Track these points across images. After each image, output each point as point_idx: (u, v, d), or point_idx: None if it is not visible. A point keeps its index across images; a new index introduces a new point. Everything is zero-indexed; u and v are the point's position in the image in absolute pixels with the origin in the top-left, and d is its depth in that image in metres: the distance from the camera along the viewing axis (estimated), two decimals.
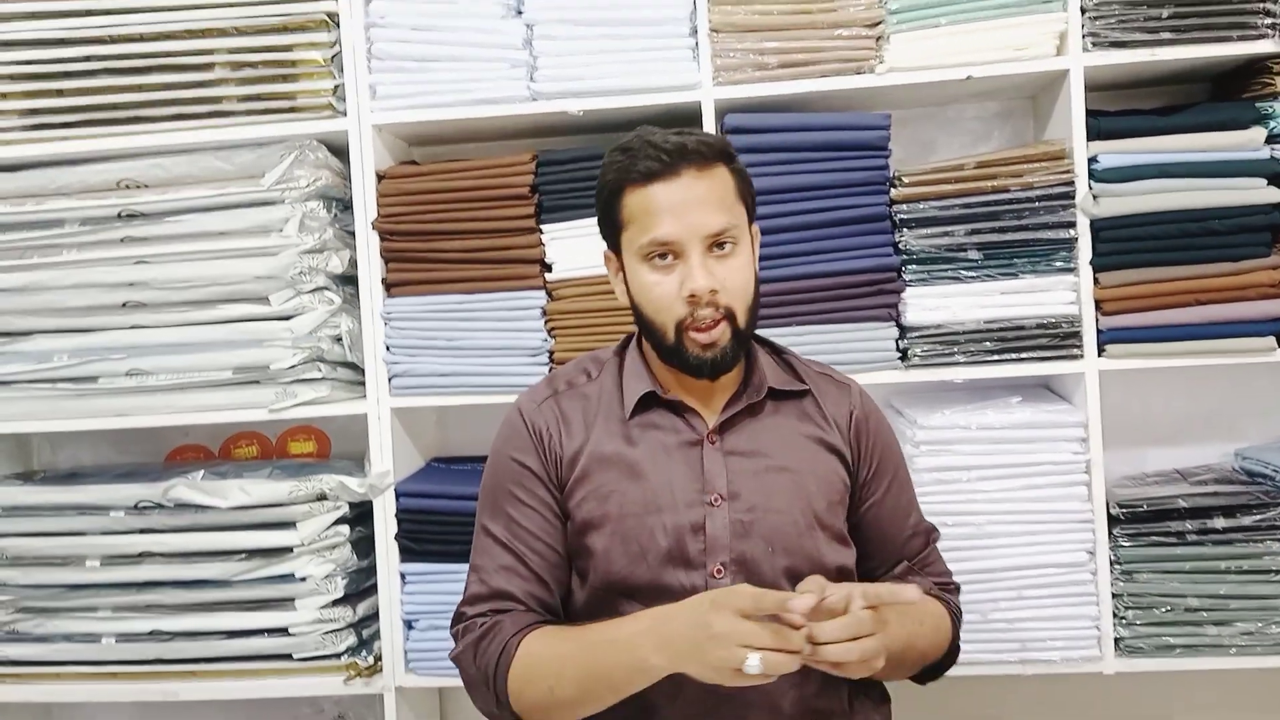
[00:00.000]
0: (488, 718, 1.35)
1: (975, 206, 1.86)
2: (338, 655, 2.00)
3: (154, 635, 2.01)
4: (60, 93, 2.04)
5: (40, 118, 2.05)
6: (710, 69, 1.91)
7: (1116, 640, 1.87)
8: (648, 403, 1.37)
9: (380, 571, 2.01)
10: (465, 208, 1.97)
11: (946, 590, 1.45)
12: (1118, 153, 1.83)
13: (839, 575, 1.34)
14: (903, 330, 1.91)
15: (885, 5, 1.88)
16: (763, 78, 1.90)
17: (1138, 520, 1.86)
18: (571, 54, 1.93)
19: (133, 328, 2.03)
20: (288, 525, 1.98)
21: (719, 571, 1.30)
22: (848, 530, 1.40)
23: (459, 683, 1.38)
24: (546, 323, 1.96)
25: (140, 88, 2.02)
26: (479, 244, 1.97)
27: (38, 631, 2.06)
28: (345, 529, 2.00)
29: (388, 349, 2.00)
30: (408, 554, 2.00)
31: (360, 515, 2.05)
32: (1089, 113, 1.85)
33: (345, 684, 1.99)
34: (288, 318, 1.99)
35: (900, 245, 1.88)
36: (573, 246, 1.93)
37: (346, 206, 2.08)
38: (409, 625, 2.02)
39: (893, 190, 1.89)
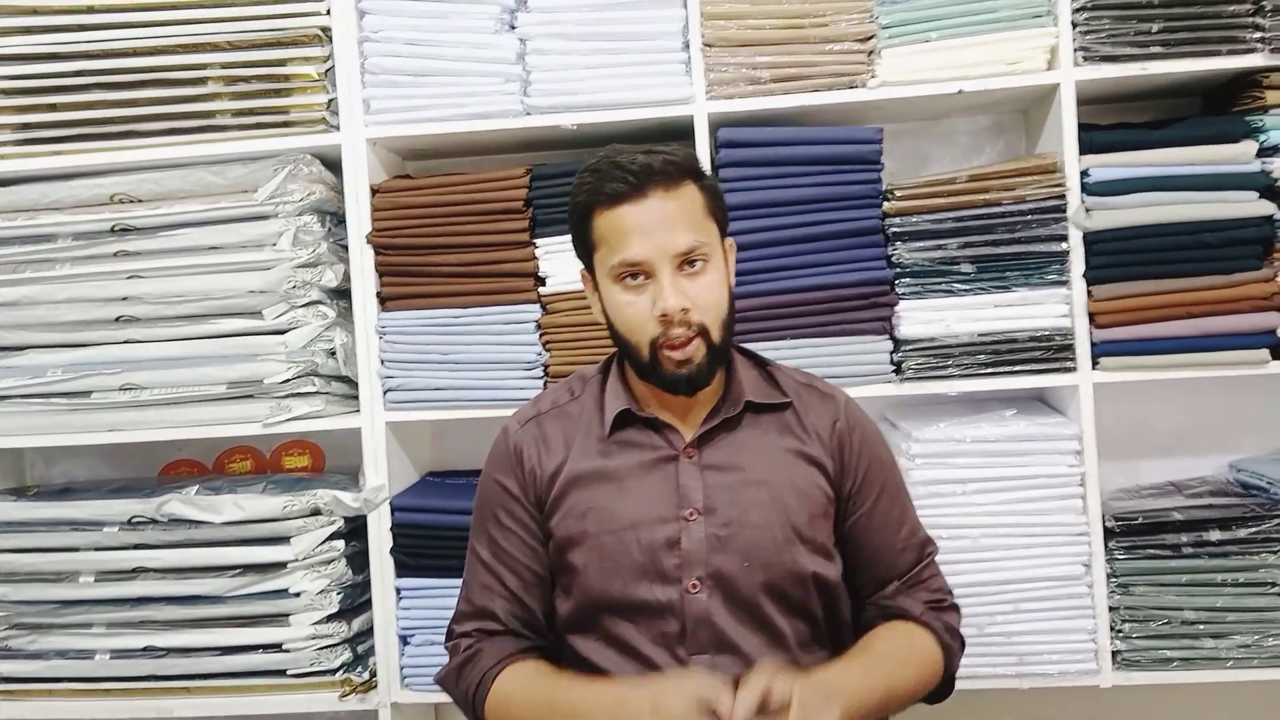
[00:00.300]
0: None
1: (968, 220, 1.87)
2: (332, 671, 1.99)
3: (148, 651, 2.00)
4: (53, 107, 2.04)
5: (33, 132, 2.05)
6: (703, 83, 1.91)
7: (1113, 653, 1.87)
8: (626, 420, 1.38)
9: (375, 586, 2.00)
10: (459, 222, 1.97)
11: (940, 610, 1.42)
12: (1109, 166, 1.83)
13: (819, 589, 1.35)
14: (896, 343, 1.91)
15: (877, 20, 1.88)
16: (755, 92, 1.90)
17: (1133, 533, 1.86)
18: (565, 68, 1.94)
19: (126, 342, 2.03)
20: (282, 540, 1.97)
21: (694, 586, 1.31)
22: (838, 543, 1.40)
23: None
24: (541, 336, 1.96)
25: (133, 102, 2.02)
26: (473, 258, 1.97)
27: (31, 648, 2.04)
28: (340, 544, 2.00)
29: (382, 363, 2.00)
30: (403, 569, 1.99)
31: (355, 530, 2.04)
32: (1080, 126, 1.85)
33: (340, 700, 1.98)
34: (282, 332, 1.99)
35: (893, 259, 1.89)
36: (567, 260, 1.93)
37: (340, 220, 2.08)
38: (404, 640, 2.01)
39: (885, 204, 1.89)
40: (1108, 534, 1.87)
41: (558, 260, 1.95)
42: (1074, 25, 1.84)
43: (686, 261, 1.29)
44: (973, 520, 1.86)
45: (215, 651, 2.00)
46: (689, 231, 1.29)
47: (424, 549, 1.97)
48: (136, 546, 2.01)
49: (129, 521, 2.01)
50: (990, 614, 1.86)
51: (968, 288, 1.88)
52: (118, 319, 2.02)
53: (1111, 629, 1.87)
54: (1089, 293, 1.86)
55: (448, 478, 2.20)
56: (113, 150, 2.02)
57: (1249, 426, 2.13)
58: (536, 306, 1.97)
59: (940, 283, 1.88)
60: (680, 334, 1.28)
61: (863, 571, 1.43)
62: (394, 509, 1.99)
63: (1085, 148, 1.85)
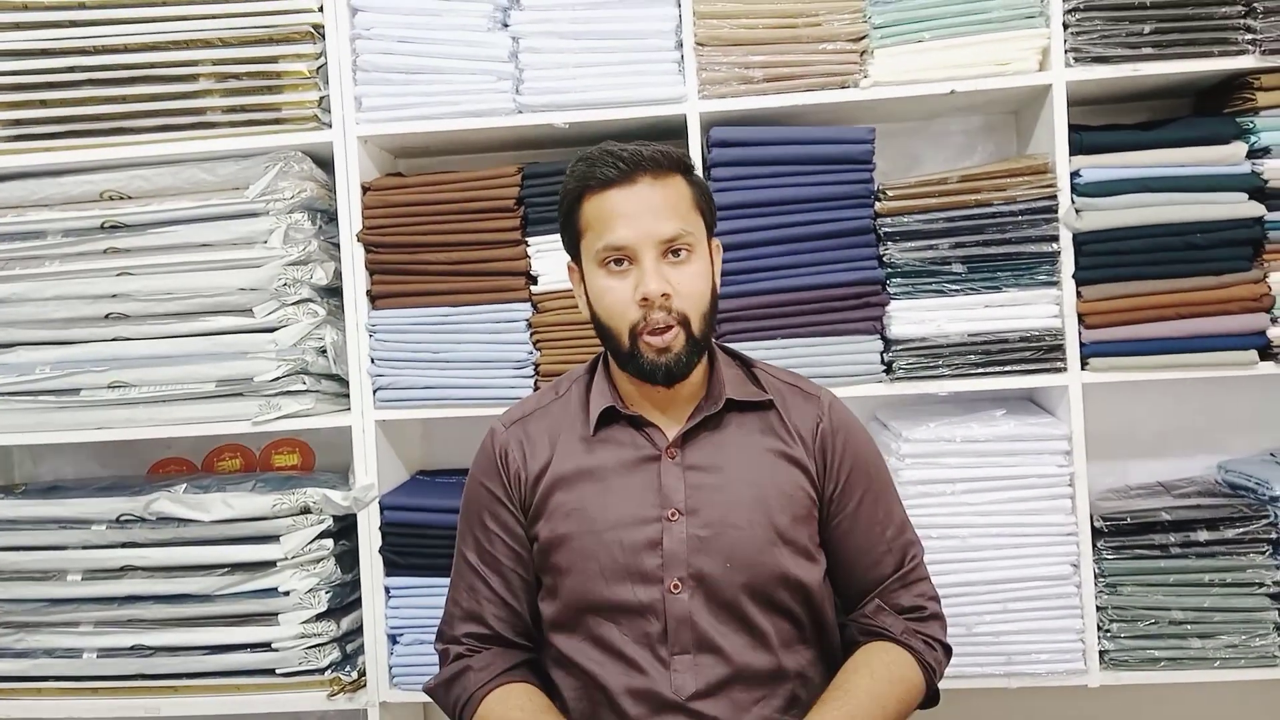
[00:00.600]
0: None
1: (959, 220, 1.87)
2: (321, 670, 1.98)
3: (136, 650, 2.00)
4: (44, 103, 2.03)
5: (23, 128, 2.04)
6: (696, 82, 1.91)
7: (1101, 653, 1.88)
8: (610, 418, 1.39)
9: (364, 585, 2.00)
10: (450, 220, 1.97)
11: (922, 621, 1.40)
12: (1100, 167, 1.84)
13: (801, 590, 1.35)
14: (887, 343, 1.91)
15: (869, 20, 1.89)
16: (748, 91, 1.91)
17: (1121, 533, 1.87)
18: (557, 67, 1.94)
19: (115, 340, 2.02)
20: (271, 539, 1.96)
21: (676, 587, 1.31)
22: (822, 545, 1.40)
23: None
24: (532, 335, 1.96)
25: (124, 99, 2.01)
26: (464, 256, 1.97)
27: (18, 647, 2.03)
28: (329, 543, 1.99)
29: (372, 361, 2.00)
30: (392, 568, 1.99)
31: (344, 529, 2.04)
32: (1071, 127, 1.86)
33: (329, 699, 1.98)
34: (272, 330, 1.98)
35: (885, 258, 1.89)
36: (558, 259, 1.92)
37: (331, 218, 2.08)
38: (393, 640, 2.00)
39: (877, 204, 1.89)
40: (1096, 534, 1.87)
41: (549, 259, 1.94)
42: (1066, 26, 1.84)
43: (671, 250, 1.30)
44: (962, 520, 1.86)
45: (203, 650, 1.99)
46: (675, 220, 1.30)
47: (413, 548, 1.96)
48: (125, 545, 2.00)
49: (117, 520, 2.00)
50: (979, 614, 1.86)
51: (959, 288, 1.88)
52: (107, 316, 2.01)
53: (1099, 629, 1.87)
54: (1079, 293, 1.86)
55: (437, 476, 2.20)
56: (103, 147, 2.02)
57: (1237, 427, 2.13)
58: (527, 305, 1.96)
59: (931, 283, 1.88)
60: (660, 318, 1.29)
61: (847, 573, 1.42)
62: (383, 507, 1.99)
63: (1076, 148, 1.86)
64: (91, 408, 2.02)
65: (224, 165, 2.01)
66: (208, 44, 1.99)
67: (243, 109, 2.01)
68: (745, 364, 1.47)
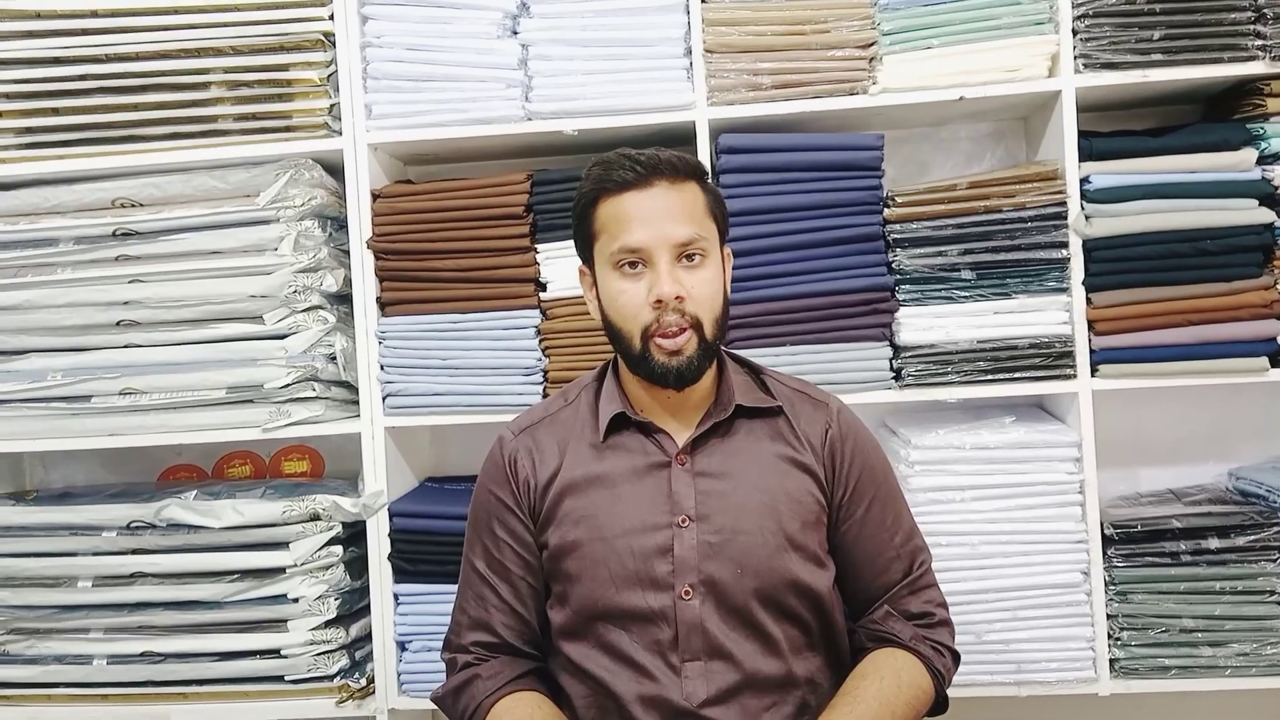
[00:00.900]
0: None
1: (968, 227, 1.87)
2: (330, 677, 1.99)
3: (145, 657, 2.00)
4: (56, 111, 2.04)
5: (35, 136, 2.06)
6: (704, 89, 1.92)
7: (1111, 661, 1.87)
8: (620, 424, 1.39)
9: (373, 592, 2.00)
10: (460, 227, 1.97)
11: (931, 627, 1.41)
12: (1110, 173, 1.84)
13: (811, 596, 1.35)
14: (896, 350, 1.91)
15: (878, 27, 1.89)
16: (757, 98, 1.91)
17: (1132, 541, 1.86)
18: (566, 74, 1.94)
19: (126, 346, 2.03)
20: (281, 546, 1.97)
21: (687, 593, 1.31)
22: (831, 551, 1.40)
23: None
24: (541, 342, 1.96)
25: (136, 106, 2.02)
26: (473, 263, 1.97)
27: (29, 653, 2.04)
28: (338, 549, 1.99)
29: (382, 368, 2.00)
30: (401, 575, 1.99)
31: (353, 535, 2.04)
32: (1081, 133, 1.86)
33: (337, 706, 1.98)
34: (282, 337, 1.99)
35: (894, 265, 1.89)
36: (567, 266, 1.93)
37: (341, 225, 2.08)
38: (402, 646, 2.01)
39: (886, 210, 1.89)
40: (1106, 541, 1.87)
41: (558, 266, 1.95)
42: (1075, 32, 1.84)
43: (685, 254, 1.31)
44: (972, 527, 1.86)
45: (213, 657, 2.00)
46: (690, 224, 1.31)
47: (422, 555, 1.96)
48: (135, 551, 2.01)
49: (128, 526, 2.01)
50: (989, 621, 1.86)
51: (968, 294, 1.88)
52: (118, 323, 2.02)
53: (1110, 637, 1.87)
54: (1089, 300, 1.86)
55: (446, 483, 2.20)
56: (115, 154, 2.03)
57: (1248, 434, 2.13)
58: (536, 312, 1.97)
59: (940, 289, 1.88)
60: (673, 321, 1.29)
61: (855, 579, 1.43)
62: (393, 514, 1.99)
63: (1086, 155, 1.86)
64: (102, 414, 2.02)
65: (235, 173, 2.02)
66: (219, 52, 2.00)
67: (254, 116, 2.01)
68: (754, 371, 1.47)
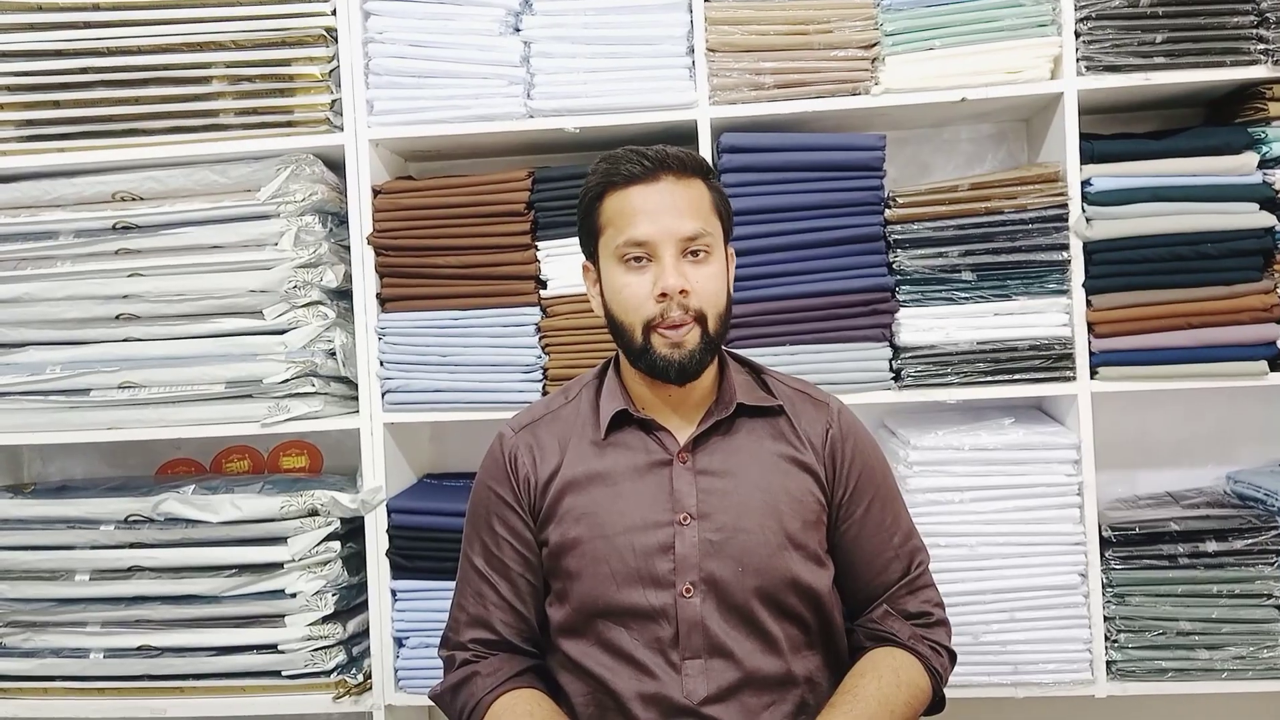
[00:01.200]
0: None
1: (969, 228, 1.87)
2: (327, 673, 1.98)
3: (142, 651, 2.00)
4: (57, 104, 2.04)
5: (36, 129, 2.06)
6: (707, 88, 1.92)
7: (1108, 663, 1.87)
8: (621, 422, 1.39)
9: (371, 588, 2.00)
10: (461, 224, 1.97)
11: (928, 627, 1.41)
12: (1111, 176, 1.84)
13: (811, 595, 1.35)
14: (896, 351, 1.91)
15: (881, 28, 1.89)
16: (759, 98, 1.91)
17: (1130, 543, 1.86)
18: (569, 72, 1.94)
19: (126, 340, 2.03)
20: (278, 541, 1.96)
21: (688, 591, 1.31)
22: (830, 550, 1.41)
23: None
24: (541, 339, 1.96)
25: (137, 100, 2.02)
26: (474, 260, 1.97)
27: (25, 646, 2.04)
28: (336, 545, 1.99)
29: (381, 364, 2.00)
30: (399, 571, 1.99)
31: (351, 531, 2.04)
32: (1082, 136, 1.86)
33: (334, 702, 1.98)
34: (281, 332, 1.99)
35: (894, 266, 1.89)
36: (568, 263, 1.93)
37: (342, 221, 2.08)
38: (399, 643, 2.01)
39: (887, 211, 1.89)
40: (1104, 544, 1.87)
41: (559, 263, 1.95)
42: (1077, 35, 1.84)
43: (690, 250, 1.31)
44: (970, 528, 1.86)
45: (210, 652, 1.99)
46: (696, 219, 1.31)
47: (420, 551, 1.96)
48: (132, 545, 2.01)
49: (125, 520, 2.00)
50: (986, 622, 1.86)
51: (968, 296, 1.88)
52: (118, 317, 2.02)
53: (1107, 639, 1.87)
54: (1089, 302, 1.86)
55: (445, 480, 2.20)
56: (116, 148, 2.02)
57: (1247, 437, 2.13)
58: (536, 309, 1.97)
59: (941, 290, 1.88)
60: (677, 315, 1.29)
61: (854, 578, 1.43)
62: (391, 510, 1.99)
63: (1087, 157, 1.86)
64: (101, 408, 2.02)
65: (236, 167, 2.02)
66: (221, 46, 2.00)
67: (255, 111, 2.01)
68: (755, 370, 1.47)
